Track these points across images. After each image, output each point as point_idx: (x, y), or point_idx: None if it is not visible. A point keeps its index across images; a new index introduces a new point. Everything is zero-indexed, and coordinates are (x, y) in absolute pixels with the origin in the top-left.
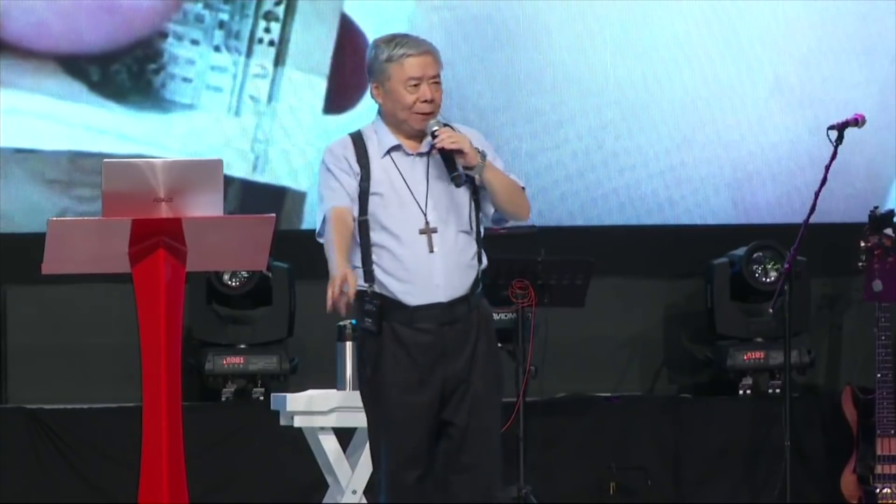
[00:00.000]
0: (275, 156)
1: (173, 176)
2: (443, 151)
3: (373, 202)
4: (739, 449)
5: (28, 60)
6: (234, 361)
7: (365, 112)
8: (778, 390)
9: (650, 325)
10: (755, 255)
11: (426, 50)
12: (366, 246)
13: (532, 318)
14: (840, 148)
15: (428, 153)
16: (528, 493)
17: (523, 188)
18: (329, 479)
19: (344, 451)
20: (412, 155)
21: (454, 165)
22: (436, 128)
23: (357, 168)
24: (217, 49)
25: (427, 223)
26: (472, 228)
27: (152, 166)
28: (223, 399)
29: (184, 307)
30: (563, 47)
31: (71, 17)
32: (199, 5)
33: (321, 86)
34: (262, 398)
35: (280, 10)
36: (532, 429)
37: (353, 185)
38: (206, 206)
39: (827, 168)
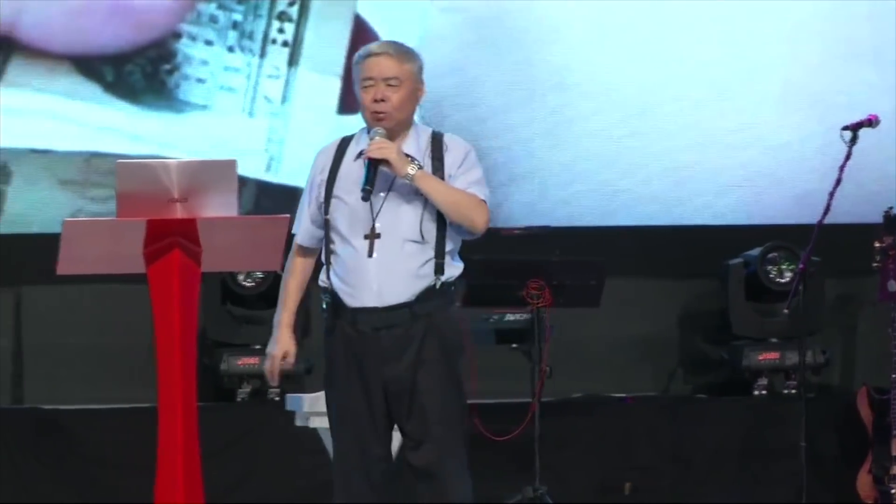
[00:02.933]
0: (289, 156)
1: (187, 176)
2: (371, 160)
3: (333, 205)
4: (754, 449)
5: (42, 61)
6: (249, 362)
7: None
8: (793, 391)
9: (665, 325)
10: (770, 256)
11: (383, 52)
12: (326, 245)
13: (547, 319)
14: (853, 149)
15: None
16: (543, 494)
17: (483, 201)
18: None
19: None
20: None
21: (373, 177)
22: (376, 136)
23: (324, 173)
24: (231, 50)
25: (373, 229)
26: (423, 238)
27: (166, 167)
28: (238, 399)
29: (198, 308)
30: (575, 48)
31: (85, 17)
32: (213, 6)
33: (335, 86)
34: (277, 399)
35: (294, 10)
36: (547, 429)
37: (314, 203)
38: (221, 206)
39: (841, 169)
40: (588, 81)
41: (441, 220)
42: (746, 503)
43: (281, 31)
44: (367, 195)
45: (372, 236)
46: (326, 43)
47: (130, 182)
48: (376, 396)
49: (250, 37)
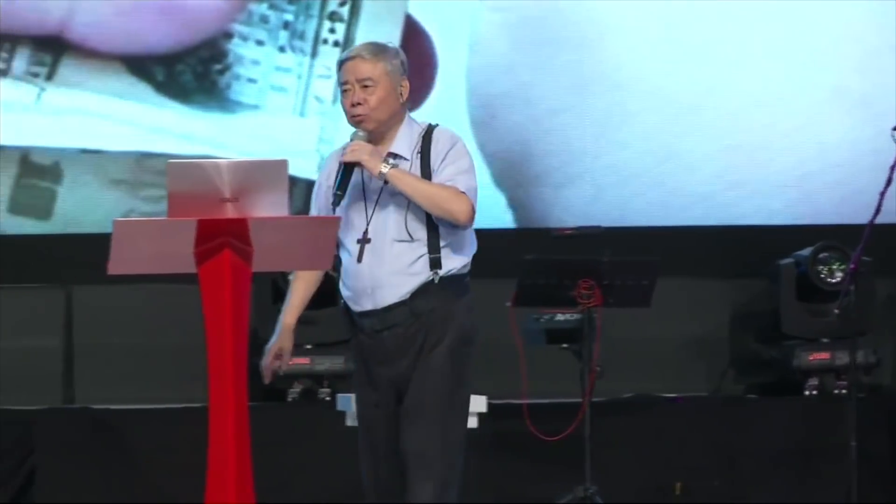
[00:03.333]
0: None
1: (239, 176)
2: (345, 164)
3: (337, 212)
4: (805, 449)
5: (93, 61)
6: (299, 362)
7: (430, 112)
8: (844, 391)
9: (716, 325)
10: (821, 256)
11: (357, 55)
12: (337, 253)
13: (598, 319)
14: None
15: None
16: (593, 494)
17: (464, 192)
18: None
19: None
20: None
21: (345, 181)
22: (354, 139)
23: (331, 179)
24: (282, 50)
25: (364, 233)
26: (411, 237)
27: (217, 167)
28: (289, 399)
29: (250, 308)
30: (626, 48)
31: (136, 17)
32: (264, 6)
33: None
34: (328, 399)
35: (345, 10)
36: (597, 429)
37: (323, 210)
38: (272, 206)
39: (892, 169)
40: (639, 81)
41: (430, 215)
42: (797, 503)
43: (332, 31)
44: (336, 200)
45: (363, 241)
46: None
47: (181, 182)
48: (386, 397)
49: (301, 37)
